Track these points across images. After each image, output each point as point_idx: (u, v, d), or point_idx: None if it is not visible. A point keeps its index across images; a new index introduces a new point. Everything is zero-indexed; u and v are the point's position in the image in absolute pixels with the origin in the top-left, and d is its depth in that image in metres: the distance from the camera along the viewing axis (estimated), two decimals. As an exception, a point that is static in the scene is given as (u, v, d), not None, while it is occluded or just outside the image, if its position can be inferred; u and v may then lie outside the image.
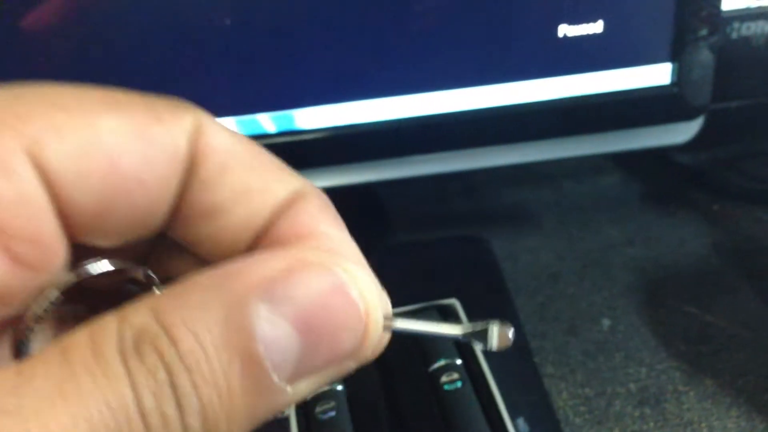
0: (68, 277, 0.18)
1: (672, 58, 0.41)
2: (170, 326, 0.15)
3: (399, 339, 0.35)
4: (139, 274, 0.20)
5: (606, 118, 0.43)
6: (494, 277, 0.46)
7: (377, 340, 0.18)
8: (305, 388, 0.17)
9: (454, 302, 0.37)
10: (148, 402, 0.14)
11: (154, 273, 0.20)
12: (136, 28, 0.37)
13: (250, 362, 0.15)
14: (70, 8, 0.36)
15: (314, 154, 0.42)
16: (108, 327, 0.15)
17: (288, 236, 0.19)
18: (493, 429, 0.31)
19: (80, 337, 0.15)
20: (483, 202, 0.57)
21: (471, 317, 0.36)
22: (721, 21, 0.42)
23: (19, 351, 0.18)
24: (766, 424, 0.37)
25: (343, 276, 0.17)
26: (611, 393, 0.40)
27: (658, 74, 0.41)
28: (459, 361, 0.33)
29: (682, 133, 0.45)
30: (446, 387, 0.32)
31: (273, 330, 0.16)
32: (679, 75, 0.41)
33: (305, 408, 0.32)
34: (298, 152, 0.41)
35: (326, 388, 0.32)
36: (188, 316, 0.15)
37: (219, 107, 0.38)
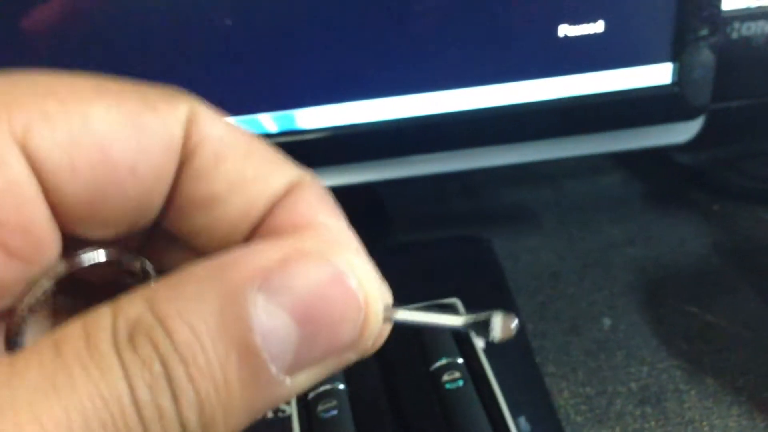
0: (60, 268, 0.18)
1: (672, 58, 0.41)
2: (165, 317, 0.15)
3: (401, 338, 0.35)
4: (134, 265, 0.20)
5: (606, 118, 0.43)
6: (495, 277, 0.46)
7: (377, 331, 0.17)
8: (304, 380, 0.16)
9: (456, 302, 0.37)
10: (143, 395, 0.14)
11: (149, 265, 0.20)
12: (136, 28, 0.37)
13: (247, 353, 0.15)
14: (69, 8, 0.36)
15: (315, 154, 0.42)
16: (102, 318, 0.15)
17: (285, 227, 0.18)
18: (495, 428, 0.31)
19: (73, 329, 0.15)
20: (483, 201, 0.57)
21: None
22: (722, 21, 0.42)
23: (12, 344, 0.18)
24: None
25: (342, 266, 0.16)
26: (612, 392, 0.40)
27: (658, 74, 0.41)
28: (460, 360, 0.33)
29: (683, 132, 0.45)
30: (448, 386, 0.32)
31: (270, 320, 0.15)
32: (679, 75, 0.41)
33: (307, 407, 0.32)
34: (299, 152, 0.41)
35: (328, 387, 0.32)
36: (183, 307, 0.15)
37: (220, 107, 0.38)
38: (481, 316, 0.19)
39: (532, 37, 0.39)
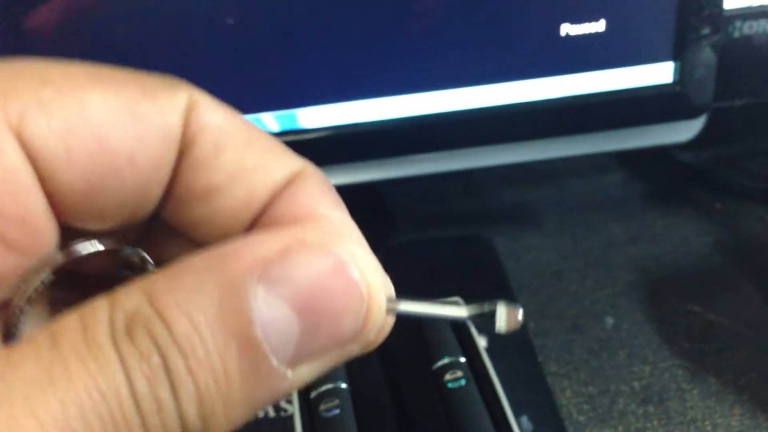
0: (57, 258, 0.17)
1: (674, 57, 0.41)
2: (163, 309, 0.14)
3: (403, 336, 0.35)
4: (132, 257, 0.19)
5: (608, 117, 0.43)
6: (497, 276, 0.46)
7: (380, 323, 0.17)
8: (306, 373, 0.16)
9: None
10: (142, 387, 0.14)
11: (148, 256, 0.20)
12: (138, 27, 0.37)
13: (248, 345, 0.15)
14: (70, 7, 0.36)
15: (317, 153, 0.41)
16: (99, 310, 0.15)
17: (287, 218, 0.18)
18: (497, 427, 0.31)
19: (70, 321, 0.14)
20: (485, 200, 0.58)
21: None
22: (723, 20, 0.42)
23: (9, 337, 0.17)
24: (770, 421, 0.37)
25: (344, 256, 0.16)
26: (615, 391, 0.40)
27: (660, 73, 0.41)
28: (463, 359, 0.33)
29: (685, 131, 0.45)
30: (450, 385, 0.32)
31: (271, 312, 0.15)
32: (681, 74, 0.41)
33: (309, 406, 0.32)
34: (301, 151, 0.41)
35: (330, 386, 0.32)
36: (182, 298, 0.14)
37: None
38: (485, 306, 0.19)
39: (534, 36, 0.39)
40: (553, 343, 0.43)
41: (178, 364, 0.14)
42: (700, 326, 0.43)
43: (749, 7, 0.45)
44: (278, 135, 0.40)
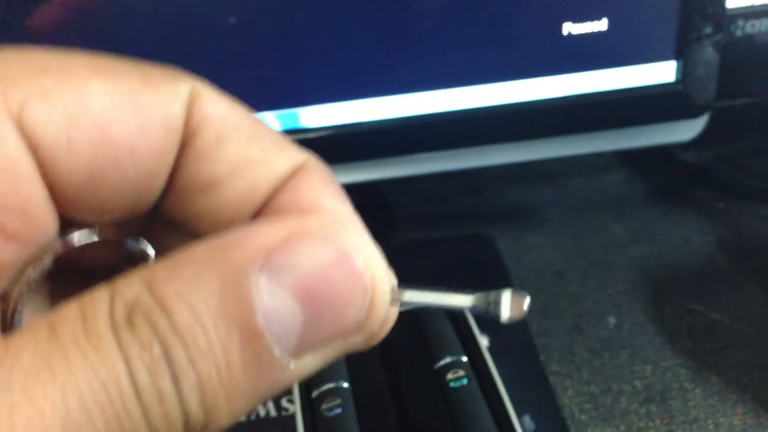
0: (55, 246, 0.17)
1: (676, 56, 0.41)
2: (164, 298, 0.14)
3: (405, 336, 0.35)
4: (133, 248, 0.19)
5: (610, 116, 0.43)
6: (499, 275, 0.46)
7: (384, 313, 0.17)
8: (309, 364, 0.16)
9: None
10: (143, 377, 0.14)
11: (149, 247, 0.19)
12: (139, 27, 0.37)
13: (250, 335, 0.14)
14: (71, 6, 0.36)
15: (318, 153, 0.41)
16: (99, 299, 0.14)
17: (289, 210, 0.18)
18: (499, 426, 0.30)
19: (69, 311, 0.14)
20: (487, 200, 0.57)
21: (475, 315, 0.36)
22: (726, 19, 0.42)
23: (8, 327, 0.17)
24: (772, 421, 0.37)
25: (348, 245, 0.16)
26: (617, 390, 0.40)
27: (662, 72, 0.41)
28: (465, 359, 0.33)
29: (687, 130, 0.45)
30: (452, 384, 0.32)
31: (273, 301, 0.15)
32: (683, 73, 0.41)
33: (311, 405, 0.32)
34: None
35: (332, 385, 0.32)
36: (183, 288, 0.14)
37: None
38: (490, 295, 0.18)
39: (536, 35, 0.39)
40: (555, 343, 0.43)
41: (179, 353, 0.14)
42: (702, 325, 0.43)
43: (752, 6, 0.45)
44: (280, 134, 0.40)
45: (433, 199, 0.58)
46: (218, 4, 0.37)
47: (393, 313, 0.18)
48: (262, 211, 0.18)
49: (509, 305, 0.18)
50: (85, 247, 0.18)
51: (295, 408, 0.32)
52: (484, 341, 0.35)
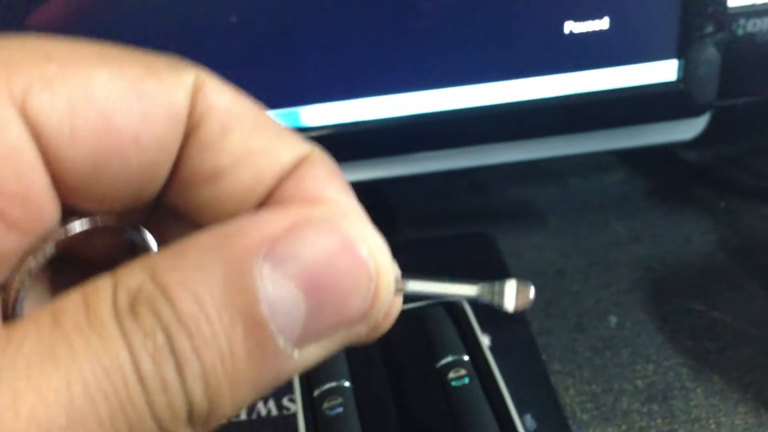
0: (58, 234, 0.17)
1: (678, 55, 0.40)
2: (168, 286, 0.14)
3: (407, 335, 0.35)
4: (136, 237, 0.19)
5: (612, 115, 0.43)
6: (500, 274, 0.46)
7: (388, 302, 0.17)
8: (313, 353, 0.16)
9: (460, 299, 0.37)
10: (146, 365, 0.14)
11: (151, 237, 0.19)
12: (140, 26, 0.37)
13: (254, 324, 0.14)
14: (71, 6, 0.36)
15: (320, 152, 0.42)
16: (102, 288, 0.14)
17: (293, 201, 0.18)
18: (501, 425, 0.30)
19: (72, 299, 0.14)
20: (489, 199, 0.57)
21: (477, 314, 0.36)
22: (727, 18, 0.42)
23: (10, 316, 0.17)
24: (774, 420, 0.37)
25: (352, 234, 0.16)
26: (618, 389, 0.40)
27: (664, 71, 0.41)
28: (466, 358, 0.33)
29: (688, 129, 0.45)
30: (454, 383, 0.32)
31: (277, 290, 0.15)
32: (685, 72, 0.41)
33: (312, 404, 0.32)
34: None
35: (333, 384, 0.32)
36: (187, 276, 0.14)
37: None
38: (495, 284, 0.18)
39: (538, 33, 0.39)
40: (556, 342, 0.43)
41: (183, 342, 0.14)
42: (703, 324, 0.43)
43: (753, 5, 0.45)
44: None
45: (434, 198, 0.58)
46: (219, 3, 0.37)
47: (397, 304, 0.18)
48: (265, 202, 0.18)
49: (514, 295, 0.18)
50: (86, 237, 0.18)
51: (297, 407, 0.32)
52: (485, 340, 0.35)
